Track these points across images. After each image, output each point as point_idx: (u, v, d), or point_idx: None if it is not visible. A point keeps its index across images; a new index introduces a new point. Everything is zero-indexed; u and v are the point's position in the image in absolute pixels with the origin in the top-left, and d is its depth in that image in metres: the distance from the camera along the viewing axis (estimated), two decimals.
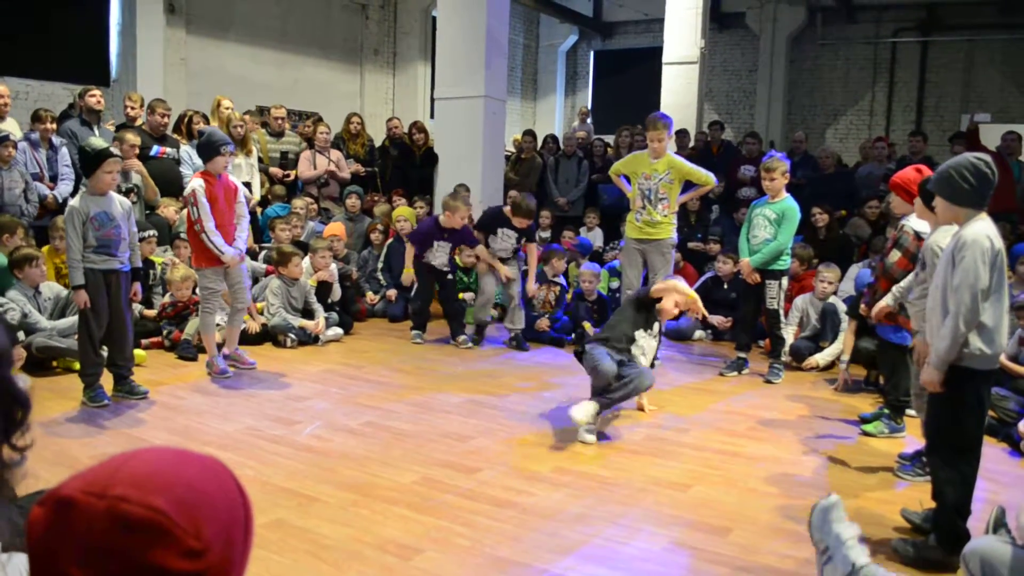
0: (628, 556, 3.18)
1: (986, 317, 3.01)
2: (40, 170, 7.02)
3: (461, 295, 8.23)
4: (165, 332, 6.46)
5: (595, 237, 9.70)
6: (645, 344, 4.94)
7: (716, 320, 7.69)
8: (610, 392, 4.60)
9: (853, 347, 6.18)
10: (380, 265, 8.44)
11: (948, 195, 3.12)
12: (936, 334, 3.12)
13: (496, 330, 7.61)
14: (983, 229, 3.02)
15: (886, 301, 4.37)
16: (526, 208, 6.89)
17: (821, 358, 6.44)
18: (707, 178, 6.61)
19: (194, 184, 5.65)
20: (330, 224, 8.43)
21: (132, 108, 7.94)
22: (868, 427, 4.91)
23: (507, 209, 6.99)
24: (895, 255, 4.39)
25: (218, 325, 6.04)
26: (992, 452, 4.32)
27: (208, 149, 5.66)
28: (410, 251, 7.23)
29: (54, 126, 7.24)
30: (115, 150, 4.99)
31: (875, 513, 3.67)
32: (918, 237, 4.22)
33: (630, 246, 6.68)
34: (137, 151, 7.43)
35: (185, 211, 7.62)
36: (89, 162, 4.82)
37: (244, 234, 5.89)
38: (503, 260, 7.12)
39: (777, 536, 3.39)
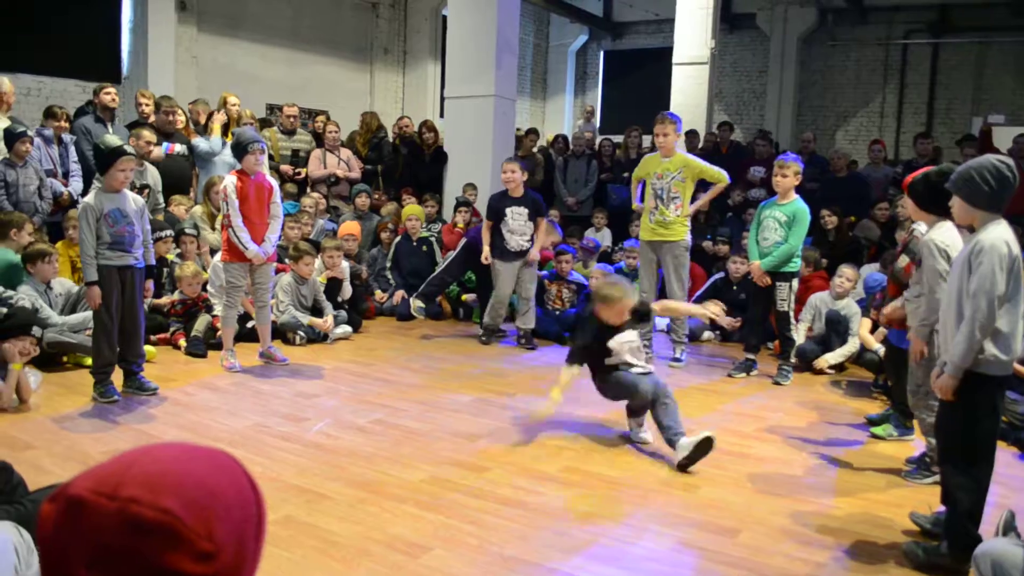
0: (636, 556, 3.18)
1: (1002, 323, 2.98)
2: (53, 166, 7.05)
3: (464, 296, 8.24)
4: (172, 331, 6.49)
5: (603, 237, 9.69)
6: (628, 341, 4.59)
7: (725, 321, 7.66)
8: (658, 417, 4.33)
9: (859, 352, 6.23)
10: (388, 264, 8.44)
11: (966, 196, 3.08)
12: (950, 340, 3.10)
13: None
14: (1001, 234, 2.99)
15: (896, 304, 4.34)
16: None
17: (832, 357, 6.41)
18: (720, 175, 6.47)
19: (226, 180, 5.84)
20: (345, 223, 8.44)
21: (146, 105, 7.97)
22: (877, 429, 4.91)
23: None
24: (903, 260, 4.39)
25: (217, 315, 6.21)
26: (1002, 456, 4.27)
27: (238, 149, 5.86)
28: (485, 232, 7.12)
29: (68, 123, 7.27)
30: (129, 148, 5.00)
31: (883, 516, 3.67)
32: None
33: (644, 249, 6.66)
34: (153, 149, 7.47)
35: (195, 208, 7.71)
36: (103, 159, 4.84)
37: (275, 235, 5.96)
38: (520, 251, 7.03)
39: (786, 538, 3.39)
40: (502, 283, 7.11)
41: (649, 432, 4.57)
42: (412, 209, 8.63)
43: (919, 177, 3.98)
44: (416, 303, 7.33)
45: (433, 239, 8.52)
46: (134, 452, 0.90)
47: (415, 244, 8.35)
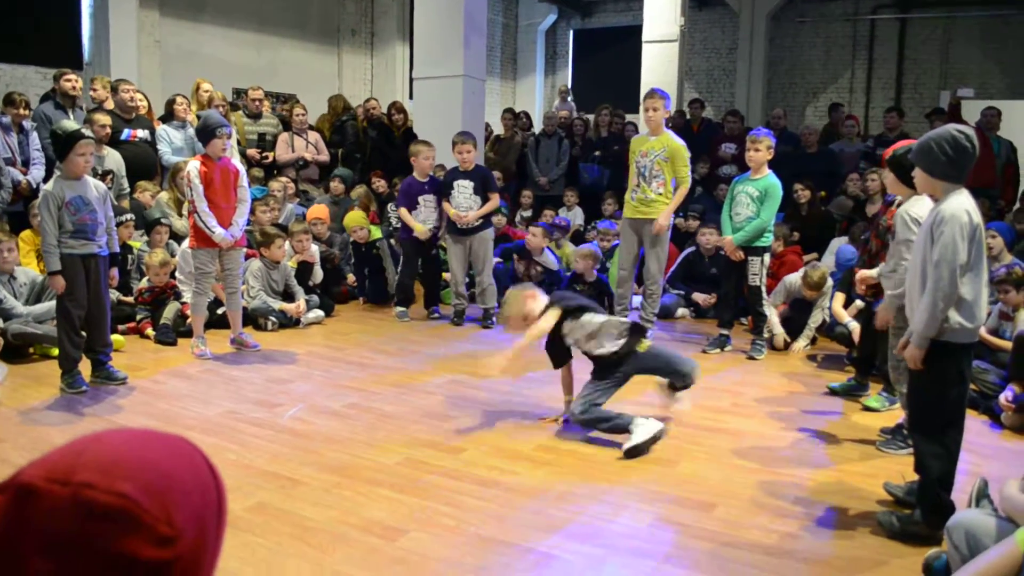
0: (613, 533, 3.18)
1: (965, 291, 3.00)
2: (12, 155, 6.90)
3: (445, 275, 8.17)
4: (139, 318, 6.39)
5: (575, 216, 9.67)
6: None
7: (700, 298, 7.69)
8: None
9: (831, 326, 6.24)
10: (352, 263, 8.28)
11: (926, 166, 3.10)
12: (916, 310, 3.12)
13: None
14: (962, 204, 3.00)
15: (870, 273, 4.37)
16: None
17: (803, 341, 6.44)
18: (686, 178, 6.41)
19: (190, 166, 5.73)
20: (313, 206, 8.33)
21: (103, 89, 7.82)
22: (870, 402, 4.94)
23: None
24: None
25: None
26: (974, 425, 4.35)
27: (204, 133, 5.75)
28: (405, 216, 7.14)
29: (27, 111, 7.12)
30: (88, 132, 4.88)
31: (857, 487, 3.69)
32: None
33: (625, 226, 6.63)
34: (109, 132, 7.32)
35: (161, 195, 7.59)
36: (61, 145, 4.73)
37: (242, 219, 5.88)
38: (467, 229, 7.01)
39: (761, 511, 3.40)
40: (452, 262, 7.18)
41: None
42: (354, 219, 8.00)
43: (901, 150, 3.99)
44: (396, 310, 7.36)
45: (384, 241, 8.15)
46: (86, 438, 0.86)
47: (364, 250, 8.03)
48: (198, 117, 7.07)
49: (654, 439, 4.02)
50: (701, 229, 7.70)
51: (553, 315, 4.27)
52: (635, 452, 3.97)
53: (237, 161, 8.37)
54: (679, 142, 6.43)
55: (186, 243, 6.76)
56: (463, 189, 7.02)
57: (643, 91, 11.78)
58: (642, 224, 6.45)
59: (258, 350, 6.00)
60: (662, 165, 6.35)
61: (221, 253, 5.80)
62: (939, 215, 3.01)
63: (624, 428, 4.08)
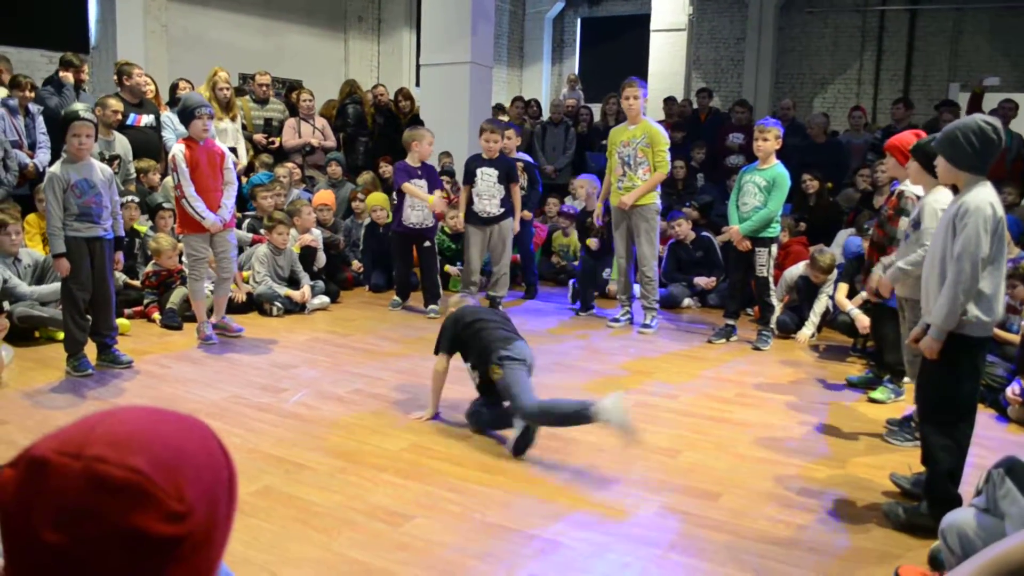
0: (618, 521, 3.17)
1: (984, 285, 2.97)
2: (19, 138, 6.88)
3: (447, 267, 8.14)
4: (146, 303, 6.38)
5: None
6: None
7: (701, 281, 7.69)
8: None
9: (833, 316, 6.21)
10: (360, 247, 8.27)
11: (950, 156, 3.05)
12: (932, 301, 3.09)
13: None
14: (986, 196, 2.96)
15: (878, 273, 4.32)
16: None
17: (808, 329, 6.40)
18: (664, 164, 6.45)
19: (174, 149, 5.62)
20: (319, 193, 8.31)
21: (124, 76, 7.81)
22: (875, 394, 4.91)
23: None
24: (903, 223, 4.35)
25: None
26: (980, 418, 4.27)
27: (184, 114, 5.65)
28: (412, 189, 6.83)
29: (32, 93, 7.10)
30: (86, 114, 4.81)
31: (864, 478, 3.68)
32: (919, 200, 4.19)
33: (615, 214, 6.65)
34: (120, 117, 7.30)
35: (167, 180, 7.57)
36: (59, 127, 4.71)
37: (230, 202, 5.78)
38: (489, 218, 6.96)
39: (767, 501, 3.39)
40: (470, 250, 7.10)
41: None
42: (377, 199, 8.12)
43: (924, 140, 3.95)
44: (393, 299, 7.28)
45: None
46: (99, 414, 0.86)
47: (381, 231, 8.03)
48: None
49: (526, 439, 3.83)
50: (671, 221, 7.75)
51: (442, 360, 4.28)
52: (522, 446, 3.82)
53: (241, 147, 8.41)
54: (657, 127, 6.52)
55: None
56: (487, 177, 6.94)
57: (651, 80, 11.80)
58: (631, 211, 6.51)
59: (242, 334, 5.95)
60: (644, 151, 6.41)
61: (212, 237, 5.72)
62: (963, 207, 2.97)
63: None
